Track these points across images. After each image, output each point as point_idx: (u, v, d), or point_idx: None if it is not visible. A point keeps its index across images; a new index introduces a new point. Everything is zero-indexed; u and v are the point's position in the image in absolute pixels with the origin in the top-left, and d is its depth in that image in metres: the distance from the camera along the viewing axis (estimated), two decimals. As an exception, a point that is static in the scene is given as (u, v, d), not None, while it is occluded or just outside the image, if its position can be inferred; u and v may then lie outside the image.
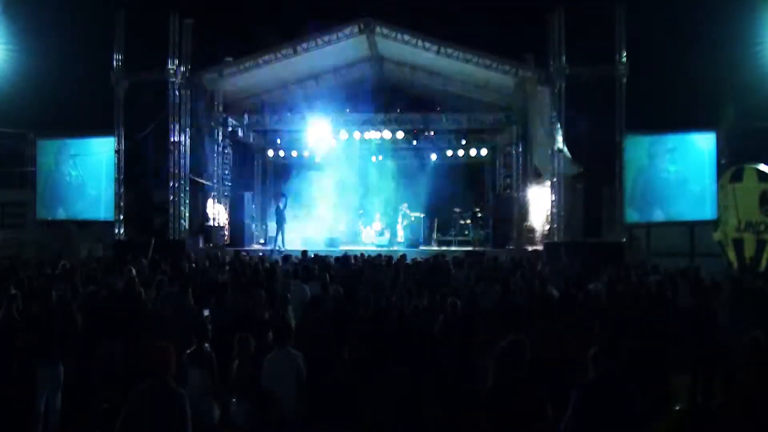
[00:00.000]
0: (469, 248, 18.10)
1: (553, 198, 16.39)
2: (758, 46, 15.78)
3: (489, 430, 4.01)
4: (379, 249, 17.37)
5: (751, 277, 11.23)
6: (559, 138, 15.96)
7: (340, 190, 21.10)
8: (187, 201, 17.43)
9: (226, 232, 19.25)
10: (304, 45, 17.27)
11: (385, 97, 20.55)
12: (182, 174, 17.23)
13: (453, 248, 18.49)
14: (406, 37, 16.99)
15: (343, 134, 19.82)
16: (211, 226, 18.64)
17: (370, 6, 17.32)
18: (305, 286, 9.05)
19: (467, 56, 17.01)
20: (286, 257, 12.94)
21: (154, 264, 12.06)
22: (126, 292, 8.22)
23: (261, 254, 15.15)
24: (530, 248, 17.25)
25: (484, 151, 21.89)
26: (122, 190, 17.28)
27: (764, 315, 7.13)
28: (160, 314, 7.65)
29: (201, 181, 18.22)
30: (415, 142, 21.33)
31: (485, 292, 8.62)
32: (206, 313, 7.80)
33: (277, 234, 18.57)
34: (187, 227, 17.37)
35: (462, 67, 17.73)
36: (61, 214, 18.73)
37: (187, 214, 17.40)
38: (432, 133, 20.85)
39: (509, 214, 18.68)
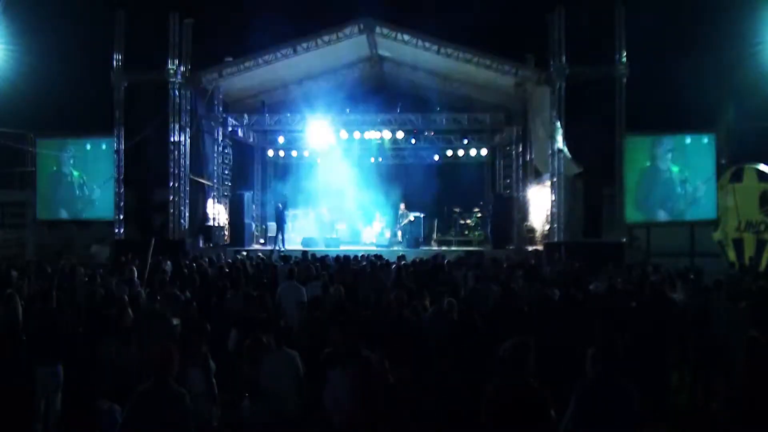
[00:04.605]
0: (469, 248, 18.09)
1: (553, 198, 16.39)
2: (758, 46, 15.77)
3: (492, 430, 4.00)
4: (379, 249, 17.38)
5: (752, 277, 11.21)
6: (559, 138, 15.95)
7: (340, 190, 21.12)
8: (187, 201, 17.42)
9: (226, 232, 19.27)
10: (304, 45, 17.27)
11: (385, 97, 20.55)
12: (182, 174, 17.23)
13: (453, 248, 18.49)
14: (406, 37, 16.98)
15: (343, 134, 19.82)
16: (211, 226, 18.65)
17: (370, 6, 17.33)
18: (301, 286, 9.04)
19: (467, 56, 17.01)
20: (286, 258, 12.94)
21: (154, 264, 12.03)
22: (127, 293, 8.21)
23: (261, 255, 15.14)
24: (530, 248, 17.26)
25: (484, 151, 21.91)
26: (122, 190, 17.27)
27: (764, 315, 7.13)
28: (159, 314, 7.63)
29: (201, 180, 18.23)
30: (414, 142, 21.33)
31: (485, 293, 8.60)
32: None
33: (277, 234, 18.59)
34: (187, 227, 17.37)
35: (462, 67, 17.73)
36: (61, 214, 18.73)
37: (187, 214, 17.40)
38: (432, 133, 20.85)
39: (509, 214, 18.68)
